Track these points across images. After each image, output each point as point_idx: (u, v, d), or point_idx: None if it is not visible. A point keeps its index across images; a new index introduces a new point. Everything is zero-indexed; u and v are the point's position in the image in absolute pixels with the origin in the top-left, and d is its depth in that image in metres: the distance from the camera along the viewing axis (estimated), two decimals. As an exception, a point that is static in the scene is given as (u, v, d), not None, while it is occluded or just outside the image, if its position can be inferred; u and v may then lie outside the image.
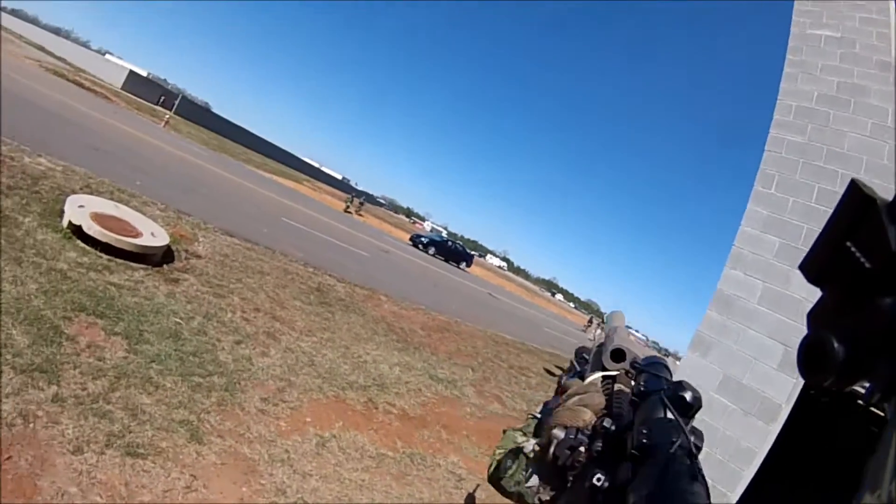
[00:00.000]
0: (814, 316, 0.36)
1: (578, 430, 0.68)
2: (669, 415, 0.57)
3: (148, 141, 14.92)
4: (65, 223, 5.15)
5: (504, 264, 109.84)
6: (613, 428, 0.63)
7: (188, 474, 2.83)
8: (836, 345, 0.32)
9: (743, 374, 5.09)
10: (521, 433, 1.73)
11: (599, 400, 0.76)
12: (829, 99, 5.18)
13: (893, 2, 5.04)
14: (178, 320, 4.50)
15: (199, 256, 6.37)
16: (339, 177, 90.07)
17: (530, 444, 0.96)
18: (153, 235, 5.61)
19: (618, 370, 0.89)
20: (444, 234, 79.64)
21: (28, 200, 5.40)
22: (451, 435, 5.42)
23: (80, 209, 5.24)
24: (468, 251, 35.59)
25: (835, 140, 4.92)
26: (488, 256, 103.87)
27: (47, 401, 2.77)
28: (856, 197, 0.33)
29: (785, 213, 5.14)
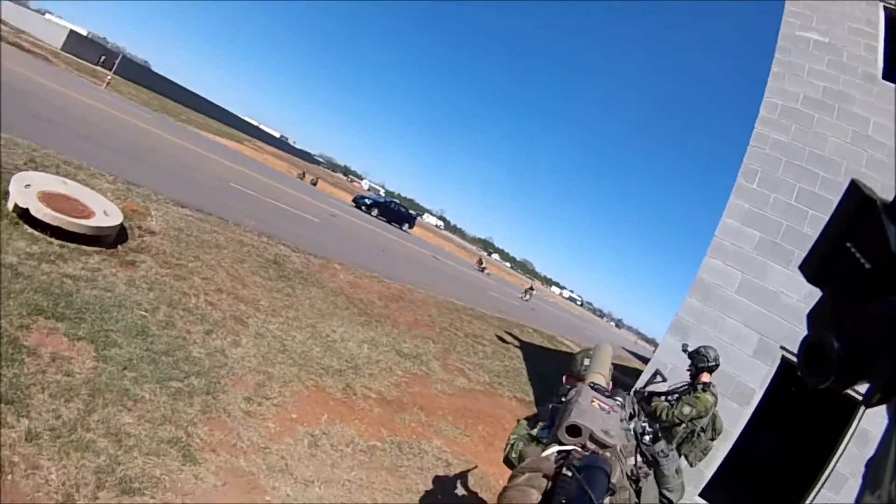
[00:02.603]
0: (814, 316, 0.36)
1: None
2: None
3: (90, 104, 13.62)
4: (10, 206, 4.53)
5: (441, 223, 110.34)
6: None
7: None
8: (835, 345, 0.32)
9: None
10: (528, 423, 1.87)
11: (545, 483, 0.82)
12: (814, 102, 5.42)
13: (883, 14, 5.27)
14: (142, 313, 4.01)
15: (153, 233, 5.72)
16: (278, 135, 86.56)
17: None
18: (106, 214, 5.03)
19: (573, 445, 0.92)
20: (382, 192, 78.40)
21: (-33, 182, 4.53)
22: (430, 417, 5.48)
23: (26, 189, 4.62)
24: (410, 212, 35.18)
25: (817, 143, 5.17)
26: (426, 215, 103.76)
27: (21, 440, 2.32)
28: (856, 197, 0.33)
29: (766, 209, 5.37)
